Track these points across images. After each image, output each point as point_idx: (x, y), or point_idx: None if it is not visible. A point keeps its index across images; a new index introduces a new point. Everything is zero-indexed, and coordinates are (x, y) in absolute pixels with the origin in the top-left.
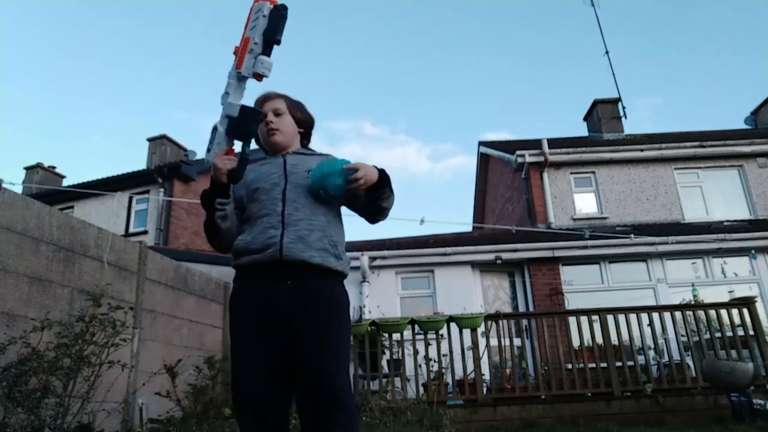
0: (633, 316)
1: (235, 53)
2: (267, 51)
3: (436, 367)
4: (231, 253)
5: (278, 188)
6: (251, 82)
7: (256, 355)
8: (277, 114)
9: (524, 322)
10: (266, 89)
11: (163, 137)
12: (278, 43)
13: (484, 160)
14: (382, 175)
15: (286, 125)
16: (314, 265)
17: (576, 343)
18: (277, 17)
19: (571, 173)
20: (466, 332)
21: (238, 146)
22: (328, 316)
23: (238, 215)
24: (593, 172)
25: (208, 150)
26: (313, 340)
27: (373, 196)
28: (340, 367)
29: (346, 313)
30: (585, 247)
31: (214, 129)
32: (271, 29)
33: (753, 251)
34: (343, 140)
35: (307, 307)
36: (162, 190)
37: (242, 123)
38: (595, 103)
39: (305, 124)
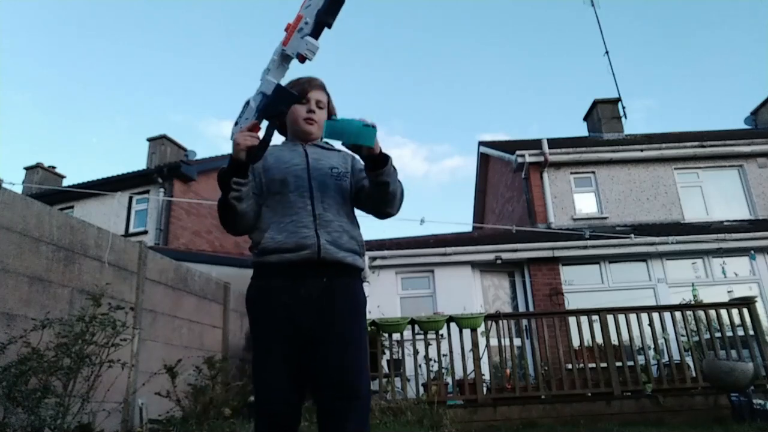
0: (633, 316)
1: (286, 30)
2: (316, 33)
3: (436, 367)
4: (257, 250)
5: (303, 183)
6: (294, 63)
7: (279, 354)
8: (319, 107)
9: (524, 322)
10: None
11: (163, 137)
12: (329, 26)
13: (484, 161)
14: (385, 154)
15: (323, 119)
16: (346, 264)
17: (576, 343)
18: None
19: (571, 173)
20: (466, 332)
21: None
22: (354, 314)
23: (256, 196)
24: (593, 172)
25: (236, 123)
26: (340, 336)
27: (377, 173)
28: (362, 363)
29: (365, 312)
30: (585, 247)
31: (247, 103)
32: (325, 10)
33: (753, 251)
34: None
35: (338, 305)
36: (162, 190)
37: (274, 102)
38: (595, 103)
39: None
